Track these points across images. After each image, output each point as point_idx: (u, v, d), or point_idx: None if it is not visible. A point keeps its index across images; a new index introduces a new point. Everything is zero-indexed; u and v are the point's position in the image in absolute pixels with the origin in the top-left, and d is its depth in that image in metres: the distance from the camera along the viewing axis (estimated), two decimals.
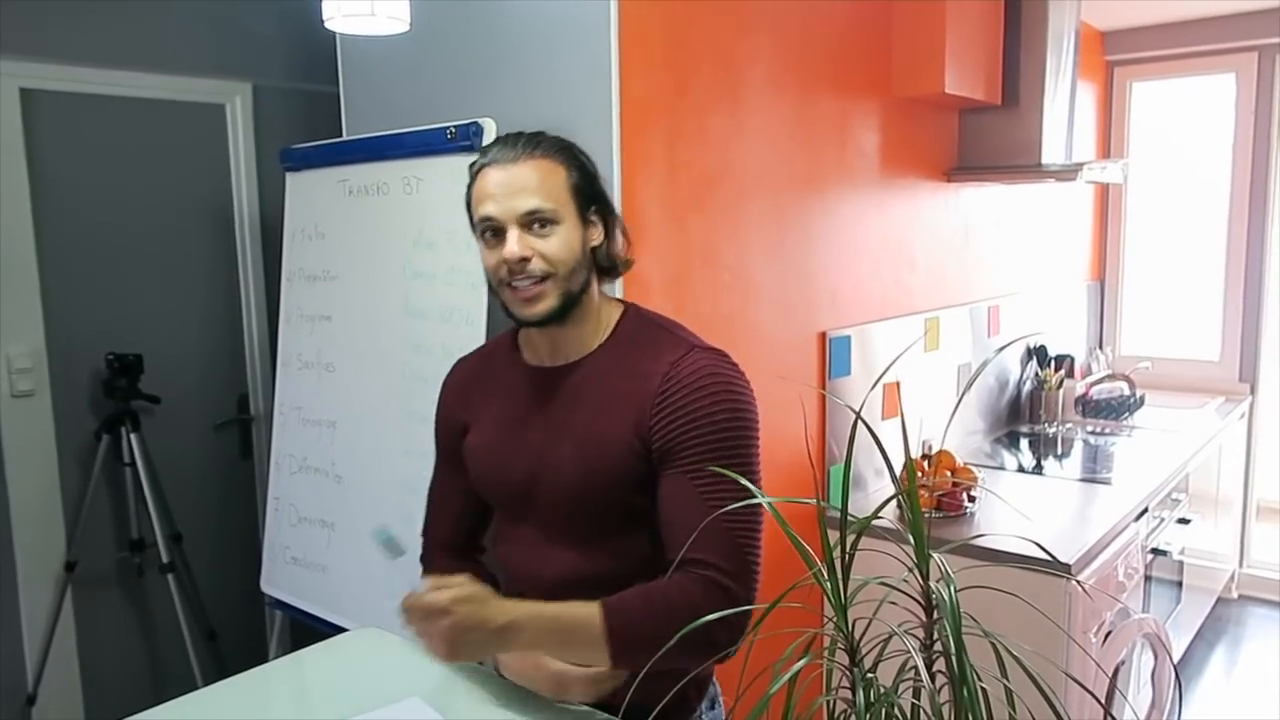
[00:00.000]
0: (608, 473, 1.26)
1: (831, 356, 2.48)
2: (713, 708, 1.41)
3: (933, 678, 0.69)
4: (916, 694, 0.74)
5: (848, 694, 0.73)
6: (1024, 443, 3.40)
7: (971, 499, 2.49)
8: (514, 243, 1.25)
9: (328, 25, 1.74)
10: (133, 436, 2.57)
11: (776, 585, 2.56)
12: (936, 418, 2.94)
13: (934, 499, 2.50)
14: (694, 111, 2.07)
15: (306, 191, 2.37)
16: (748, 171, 2.23)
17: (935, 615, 0.70)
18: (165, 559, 2.59)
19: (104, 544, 2.71)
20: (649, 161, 1.97)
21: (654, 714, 0.92)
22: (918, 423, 2.84)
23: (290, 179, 2.42)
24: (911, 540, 0.71)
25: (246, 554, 2.96)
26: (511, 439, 1.36)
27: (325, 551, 2.27)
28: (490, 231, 1.28)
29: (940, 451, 2.59)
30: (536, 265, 1.25)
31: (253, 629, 2.94)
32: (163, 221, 2.76)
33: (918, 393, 2.84)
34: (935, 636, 0.70)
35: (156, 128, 2.73)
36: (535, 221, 1.25)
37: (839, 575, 0.71)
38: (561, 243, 1.26)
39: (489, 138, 1.92)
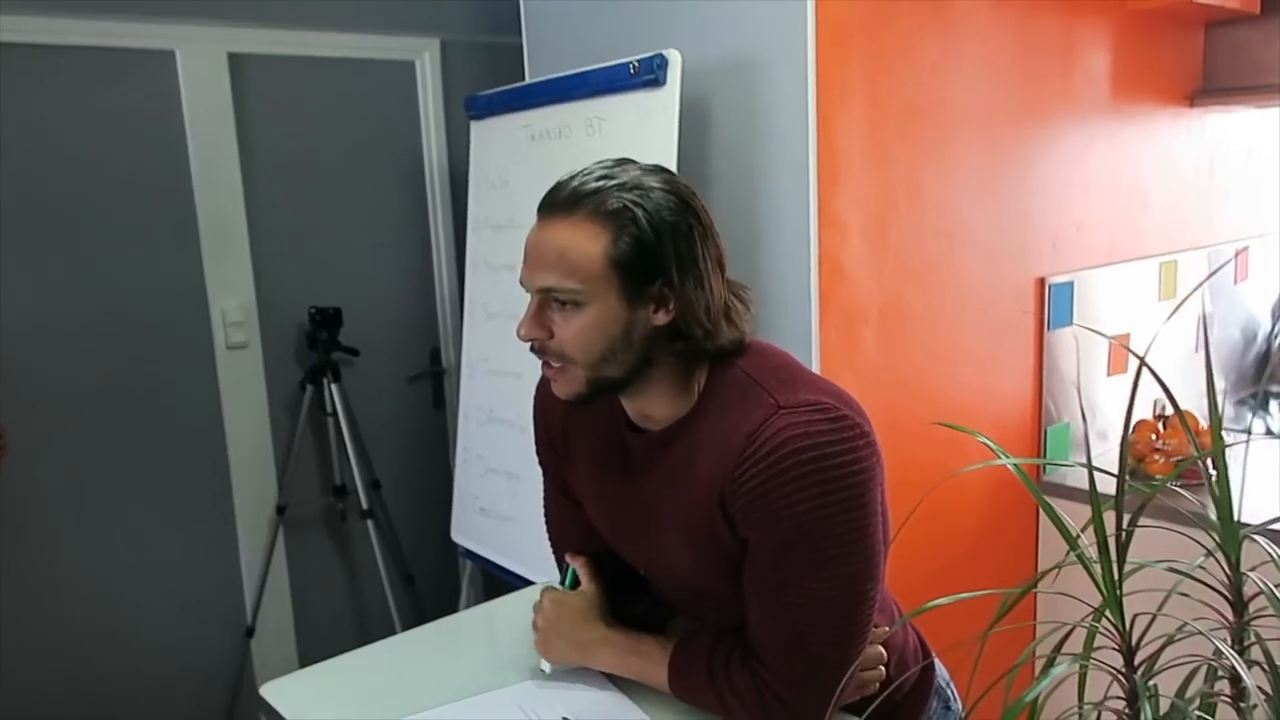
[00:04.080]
0: (717, 571, 1.09)
1: (1051, 305, 2.23)
2: (948, 709, 1.27)
3: (1243, 693, 0.54)
4: (1209, 709, 0.58)
5: (1116, 705, 0.58)
6: (1275, 405, 2.99)
7: (1200, 449, 2.19)
8: (525, 320, 1.05)
9: None
10: (334, 387, 2.66)
11: (983, 563, 2.32)
12: (1169, 375, 2.62)
13: (1170, 465, 2.22)
14: (898, 36, 1.87)
15: (490, 139, 2.35)
16: (958, 103, 2.01)
17: (1248, 613, 0.54)
18: (365, 505, 2.68)
19: (310, 489, 2.84)
20: (847, 93, 1.80)
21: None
22: (1149, 380, 2.53)
23: (474, 127, 2.41)
24: (1214, 514, 0.55)
25: (441, 504, 3.03)
26: (616, 509, 1.19)
27: (512, 502, 2.27)
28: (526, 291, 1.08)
29: (1185, 413, 2.29)
30: (552, 348, 1.05)
31: (448, 575, 3.02)
32: (357, 177, 2.83)
33: (1150, 346, 2.53)
34: (1247, 640, 0.54)
35: (351, 87, 2.78)
36: (555, 300, 1.03)
37: (1112, 557, 0.56)
38: (584, 328, 1.02)
39: (674, 71, 1.80)
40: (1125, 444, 0.57)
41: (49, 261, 2.33)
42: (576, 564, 1.24)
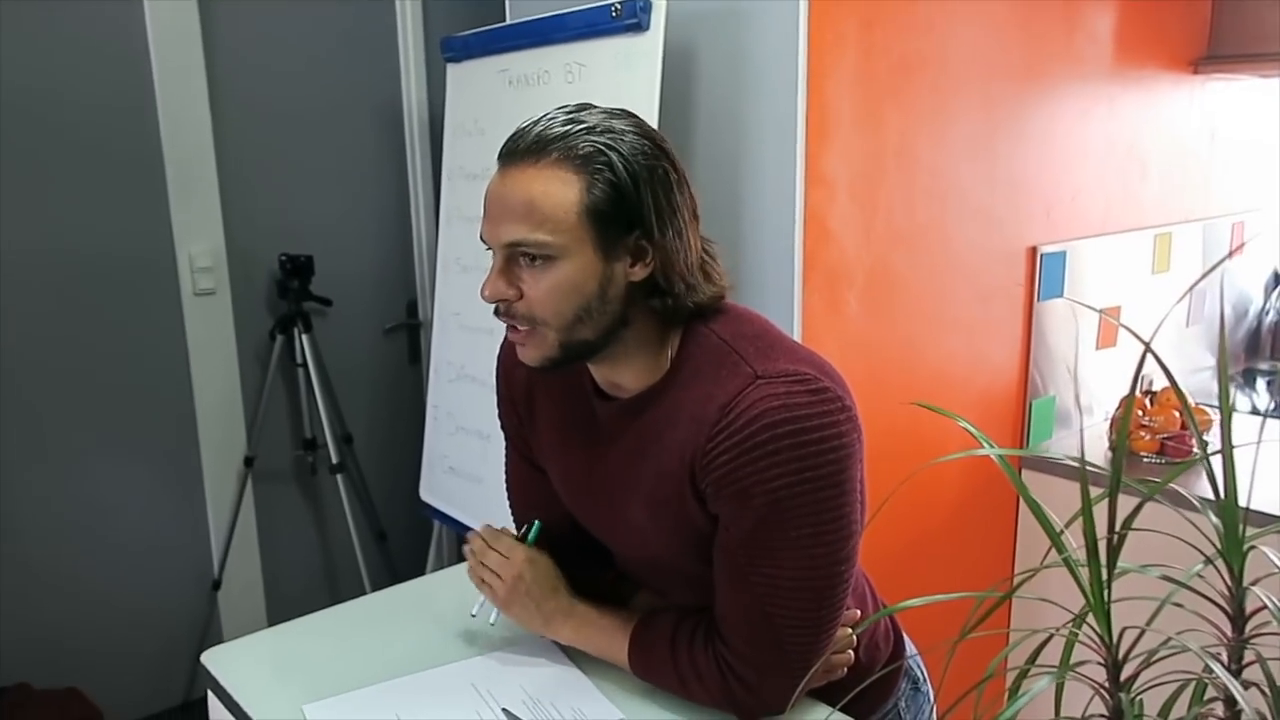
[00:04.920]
0: (684, 547, 1.03)
1: (1042, 275, 2.17)
2: (917, 690, 1.22)
3: (1238, 716, 0.48)
4: None
5: None
6: (1262, 382, 2.95)
7: (1205, 445, 2.15)
8: (489, 279, 0.96)
9: None
10: (304, 338, 2.59)
11: (960, 535, 2.26)
12: (1159, 349, 2.57)
13: (1157, 442, 2.17)
14: None
15: (466, 84, 2.25)
16: (956, 58, 1.93)
17: (1247, 629, 0.49)
18: (335, 459, 2.62)
19: (280, 442, 2.78)
20: (840, 43, 1.72)
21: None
22: (1138, 355, 2.48)
23: (451, 70, 2.31)
24: (1216, 517, 0.49)
25: (415, 459, 2.97)
26: (579, 478, 1.13)
27: (481, 463, 2.21)
28: (489, 249, 0.99)
29: (1168, 388, 2.25)
30: (520, 310, 0.97)
31: (422, 532, 2.97)
32: (333, 119, 2.73)
33: (1141, 320, 2.48)
34: (1245, 660, 0.49)
35: (327, 23, 2.68)
36: (524, 255, 0.95)
37: (1100, 561, 0.50)
38: (556, 286, 0.94)
39: (658, 16, 1.71)
40: (1122, 442, 0.51)
41: (10, 205, 2.24)
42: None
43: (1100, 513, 0.53)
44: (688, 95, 1.87)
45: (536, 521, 1.17)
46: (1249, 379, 2.97)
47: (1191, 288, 2.47)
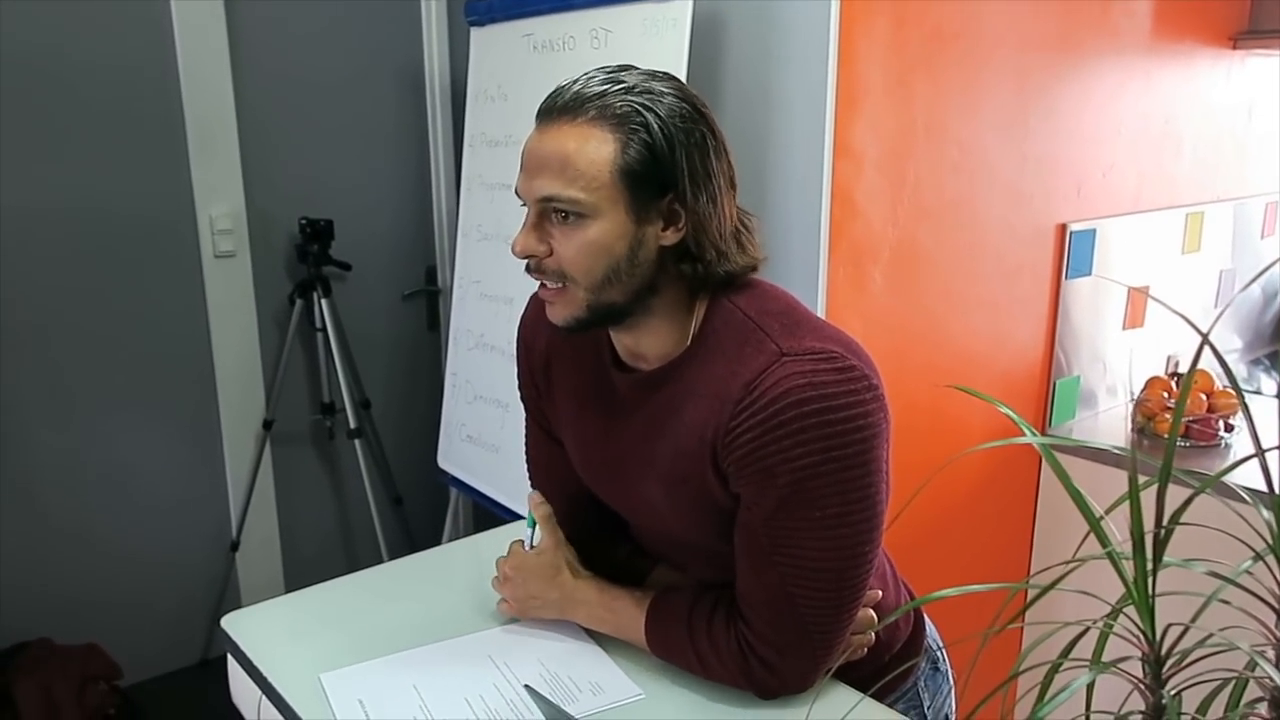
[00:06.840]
0: (704, 524, 1.02)
1: (1071, 253, 2.13)
2: (936, 670, 1.21)
3: None
4: None
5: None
6: None
7: (1230, 428, 2.12)
8: (521, 234, 0.96)
9: None
10: (324, 302, 2.58)
11: (979, 510, 2.23)
12: (1186, 331, 2.53)
13: (1182, 425, 2.15)
14: None
15: (490, 48, 2.22)
16: (989, 30, 1.88)
17: None
18: (353, 424, 2.63)
19: (299, 406, 2.78)
20: (872, 12, 1.68)
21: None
22: (1165, 336, 2.45)
23: (474, 34, 2.28)
24: (1268, 511, 0.47)
25: (432, 426, 2.97)
26: (595, 451, 1.12)
27: (499, 432, 2.21)
28: (523, 204, 0.98)
29: (1198, 372, 2.21)
30: (550, 266, 0.96)
31: (438, 498, 2.98)
32: (355, 83, 2.71)
33: (1169, 301, 2.44)
34: None
35: None
36: (555, 212, 0.94)
37: (1146, 555, 0.48)
38: (586, 245, 0.93)
39: None
40: (1175, 431, 0.49)
41: (31, 164, 2.23)
42: (538, 515, 1.17)
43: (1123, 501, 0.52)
44: (716, 64, 1.84)
45: (530, 513, 1.19)
46: (1275, 362, 2.92)
47: (1263, 272, 2.41)
